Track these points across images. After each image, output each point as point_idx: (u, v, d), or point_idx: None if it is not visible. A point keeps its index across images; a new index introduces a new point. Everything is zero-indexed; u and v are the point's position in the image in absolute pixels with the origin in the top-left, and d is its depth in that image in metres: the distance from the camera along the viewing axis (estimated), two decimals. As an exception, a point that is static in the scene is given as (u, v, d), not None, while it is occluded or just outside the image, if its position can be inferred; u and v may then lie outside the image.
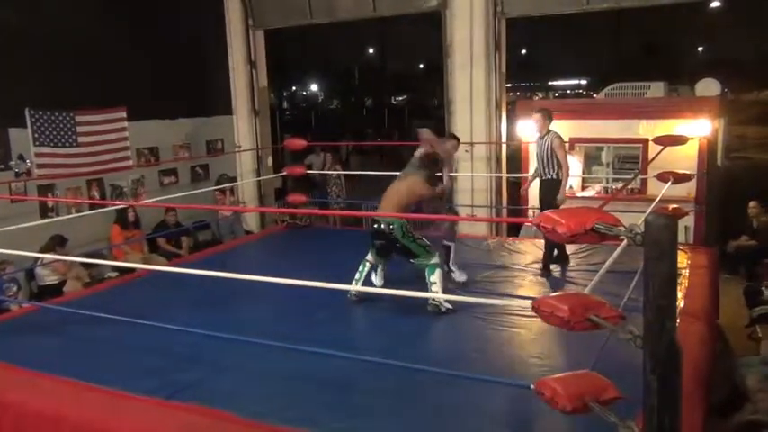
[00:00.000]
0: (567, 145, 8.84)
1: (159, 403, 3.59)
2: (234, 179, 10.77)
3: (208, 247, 9.04)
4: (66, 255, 7.26)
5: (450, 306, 5.09)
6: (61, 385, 3.85)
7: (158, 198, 8.63)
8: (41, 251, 7.29)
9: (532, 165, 7.38)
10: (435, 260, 5.17)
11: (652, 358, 2.40)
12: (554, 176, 6.20)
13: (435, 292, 5.02)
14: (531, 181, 6.81)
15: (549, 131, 6.26)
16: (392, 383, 3.79)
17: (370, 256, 5.47)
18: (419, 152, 5.64)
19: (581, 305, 2.62)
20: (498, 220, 9.44)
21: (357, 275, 5.42)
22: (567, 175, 6.27)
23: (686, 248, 6.54)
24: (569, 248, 6.45)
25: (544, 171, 6.26)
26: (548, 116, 6.31)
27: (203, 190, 9.49)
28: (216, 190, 9.96)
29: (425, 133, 5.71)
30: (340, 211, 10.28)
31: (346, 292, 5.35)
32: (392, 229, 5.13)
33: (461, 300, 4.96)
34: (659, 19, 20.29)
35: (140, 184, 9.42)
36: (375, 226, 5.27)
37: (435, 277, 5.12)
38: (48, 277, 7.65)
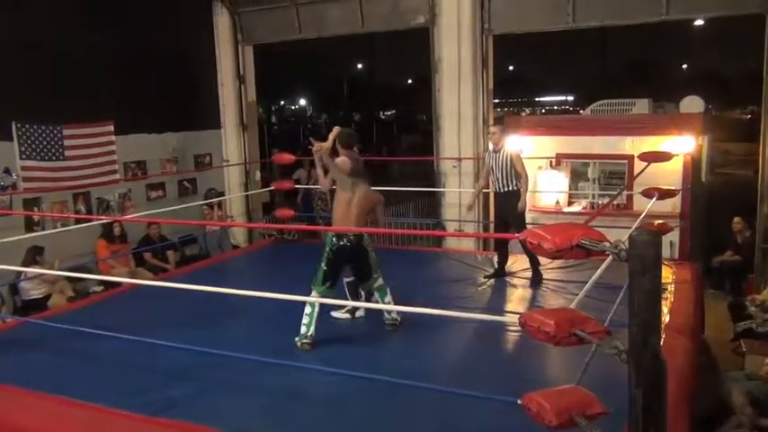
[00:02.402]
0: (552, 161, 8.96)
1: (145, 420, 3.56)
2: (222, 193, 10.74)
3: (195, 261, 9.00)
4: (47, 264, 7.23)
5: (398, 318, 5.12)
6: (45, 402, 3.81)
7: (145, 212, 8.59)
8: (22, 265, 7.21)
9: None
10: (381, 281, 5.14)
11: (637, 373, 2.43)
12: (514, 188, 6.42)
13: (390, 310, 5.03)
14: (477, 195, 7.35)
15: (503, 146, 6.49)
16: (379, 399, 3.78)
17: (315, 292, 4.92)
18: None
19: (567, 320, 2.63)
20: (485, 235, 9.44)
21: (306, 320, 4.76)
22: (527, 185, 6.55)
23: (671, 264, 6.59)
24: (556, 263, 6.50)
25: (505, 183, 6.44)
26: (504, 130, 6.65)
27: (191, 204, 9.45)
28: (203, 204, 9.93)
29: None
30: (325, 226, 10.26)
31: (333, 307, 5.31)
32: (362, 240, 4.99)
33: (449, 315, 4.96)
34: (644, 37, 20.56)
35: (127, 197, 9.38)
36: (342, 242, 4.92)
37: (388, 297, 5.13)
38: (32, 291, 7.57)
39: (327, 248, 4.99)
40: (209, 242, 9.99)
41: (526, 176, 6.47)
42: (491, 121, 9.36)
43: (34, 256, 7.38)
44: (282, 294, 3.77)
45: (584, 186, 9.14)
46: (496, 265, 6.71)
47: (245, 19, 10.80)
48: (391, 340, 5.00)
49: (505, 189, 6.44)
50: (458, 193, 9.16)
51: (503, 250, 6.71)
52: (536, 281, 6.34)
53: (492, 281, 6.52)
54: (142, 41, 9.30)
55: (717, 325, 6.79)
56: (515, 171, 6.39)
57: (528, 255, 6.19)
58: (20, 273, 7.15)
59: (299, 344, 4.73)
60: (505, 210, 6.49)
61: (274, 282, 6.15)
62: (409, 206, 11.68)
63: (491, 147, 6.61)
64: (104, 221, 8.37)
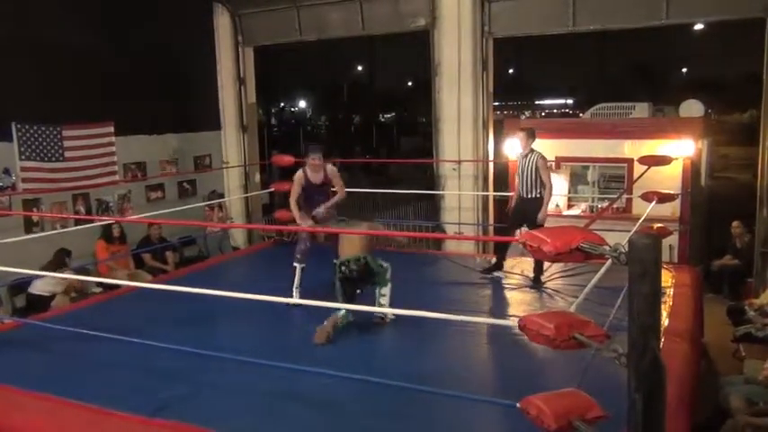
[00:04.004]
0: (552, 164, 8.96)
1: (142, 421, 3.55)
2: (222, 195, 10.74)
3: (194, 262, 8.98)
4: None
5: (393, 316, 5.15)
6: (44, 402, 3.80)
7: (145, 213, 8.59)
8: (51, 266, 7.26)
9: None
10: (388, 275, 5.25)
11: (636, 376, 2.42)
12: (537, 195, 6.32)
13: (383, 305, 5.08)
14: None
15: (532, 151, 6.38)
16: (378, 401, 3.77)
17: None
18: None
19: (566, 324, 2.63)
20: (485, 238, 9.47)
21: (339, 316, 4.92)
22: (551, 195, 6.40)
23: (670, 267, 6.59)
24: (556, 266, 6.51)
25: (528, 189, 6.36)
26: (531, 135, 6.46)
27: (191, 206, 9.43)
28: (205, 206, 9.93)
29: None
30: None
31: (333, 309, 5.30)
32: (366, 260, 5.08)
33: (448, 317, 4.95)
34: (645, 40, 20.57)
35: (127, 199, 9.37)
36: (344, 268, 5.04)
37: (386, 290, 5.20)
38: (44, 287, 7.51)
39: (335, 276, 5.09)
40: (210, 244, 9.98)
41: (551, 186, 6.35)
42: (491, 124, 9.38)
43: (63, 257, 7.46)
44: (280, 297, 3.76)
45: (584, 190, 9.15)
46: (494, 260, 6.72)
47: (245, 21, 10.82)
48: (389, 343, 5.00)
49: (529, 195, 6.36)
50: (457, 196, 9.16)
51: (502, 252, 6.67)
52: (536, 284, 6.34)
53: (491, 275, 6.56)
54: (142, 42, 9.30)
55: (716, 329, 6.78)
56: (540, 179, 6.28)
57: (536, 260, 6.20)
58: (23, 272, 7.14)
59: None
60: (525, 216, 6.40)
61: (273, 284, 6.18)
62: (408, 209, 11.69)
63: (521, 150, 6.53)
64: (104, 222, 8.36)
